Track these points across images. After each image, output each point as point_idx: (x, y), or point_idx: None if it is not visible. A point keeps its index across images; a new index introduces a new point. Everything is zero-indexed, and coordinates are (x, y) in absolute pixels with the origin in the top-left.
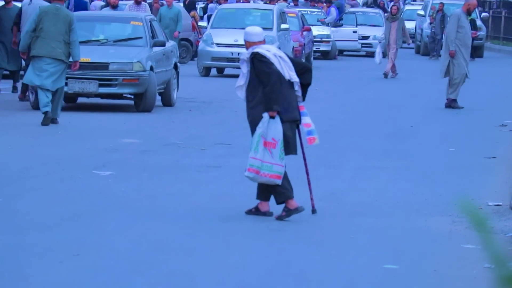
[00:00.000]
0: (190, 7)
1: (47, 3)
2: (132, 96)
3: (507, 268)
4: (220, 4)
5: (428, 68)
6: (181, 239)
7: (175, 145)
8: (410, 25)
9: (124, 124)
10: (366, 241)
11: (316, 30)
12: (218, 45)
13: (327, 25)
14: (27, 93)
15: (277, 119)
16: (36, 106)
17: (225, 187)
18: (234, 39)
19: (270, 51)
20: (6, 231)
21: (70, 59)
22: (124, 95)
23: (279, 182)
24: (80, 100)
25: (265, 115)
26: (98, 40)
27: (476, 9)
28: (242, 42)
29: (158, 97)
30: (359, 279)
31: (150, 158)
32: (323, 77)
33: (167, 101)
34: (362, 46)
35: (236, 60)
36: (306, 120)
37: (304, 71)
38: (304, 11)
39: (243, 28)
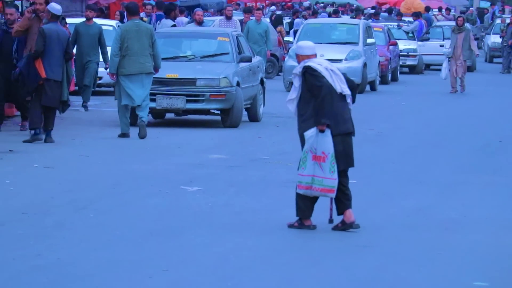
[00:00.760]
0: (277, 22)
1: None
2: (219, 112)
3: None
4: (306, 19)
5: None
6: (269, 255)
7: (262, 160)
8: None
9: (211, 140)
10: (455, 258)
11: (403, 45)
12: None
13: (414, 39)
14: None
15: (327, 132)
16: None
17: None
18: (320, 53)
19: (321, 64)
20: (97, 247)
21: None
22: (211, 110)
23: (332, 195)
24: (168, 116)
25: (309, 132)
26: (185, 56)
27: None
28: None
29: (245, 113)
30: None
31: (237, 173)
32: (410, 91)
33: (253, 117)
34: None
35: None
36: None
37: (350, 88)
38: (391, 25)
39: (330, 43)
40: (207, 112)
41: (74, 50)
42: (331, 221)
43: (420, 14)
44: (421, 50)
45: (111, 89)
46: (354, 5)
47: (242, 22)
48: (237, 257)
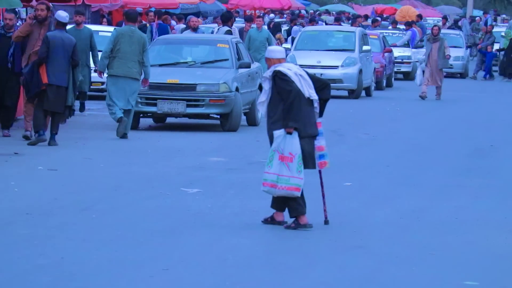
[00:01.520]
0: (275, 29)
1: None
2: (219, 116)
3: None
4: (303, 26)
5: (506, 89)
6: (266, 255)
7: (260, 163)
8: (496, 46)
9: (210, 143)
10: (447, 258)
11: (397, 52)
12: (302, 66)
13: (408, 46)
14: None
15: (295, 134)
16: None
17: (309, 204)
18: (317, 60)
19: (291, 69)
20: (99, 247)
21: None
22: (210, 115)
23: (298, 194)
24: (169, 120)
25: (278, 132)
26: (186, 62)
27: None
28: (326, 64)
29: (243, 117)
30: None
31: (235, 176)
32: (404, 97)
33: (252, 121)
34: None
35: None
36: (320, 142)
37: (323, 87)
38: (386, 33)
39: (326, 50)
40: (206, 116)
41: None
42: (326, 222)
43: (412, 23)
44: (415, 57)
45: None
46: (350, 13)
47: (243, 30)
48: (235, 257)
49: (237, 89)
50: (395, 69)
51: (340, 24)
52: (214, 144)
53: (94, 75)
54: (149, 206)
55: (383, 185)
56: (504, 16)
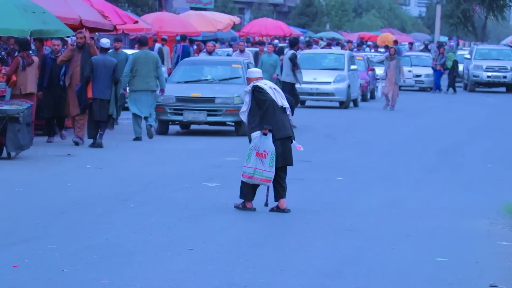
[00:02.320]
0: (279, 52)
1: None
2: (233, 123)
3: None
4: (302, 50)
5: (470, 100)
6: (273, 237)
7: None
8: (461, 67)
9: (226, 146)
10: (420, 239)
11: (379, 70)
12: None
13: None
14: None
15: (269, 135)
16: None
17: (308, 195)
18: (314, 77)
19: (266, 84)
20: (136, 230)
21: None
22: (227, 122)
23: (269, 184)
24: (192, 127)
25: (255, 133)
26: (206, 79)
27: None
28: (320, 80)
29: None
30: (415, 269)
31: None
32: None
33: None
34: (415, 83)
35: (315, 94)
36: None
37: (289, 104)
38: (370, 55)
39: (321, 69)
40: (223, 123)
41: None
42: (266, 204)
43: (390, 47)
44: None
45: None
46: (341, 39)
47: (258, 53)
48: (248, 238)
49: None
50: (377, 85)
51: (330, 48)
52: (230, 146)
53: None
54: (177, 197)
55: (368, 179)
56: (465, 42)
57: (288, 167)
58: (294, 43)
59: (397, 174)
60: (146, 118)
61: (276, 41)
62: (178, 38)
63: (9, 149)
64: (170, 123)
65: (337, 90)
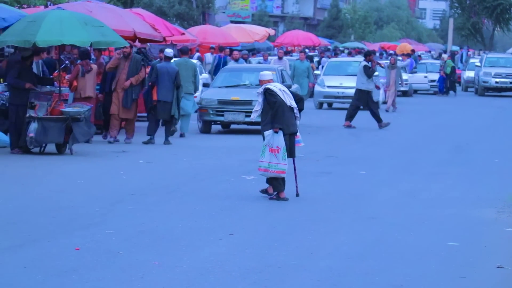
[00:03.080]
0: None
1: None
2: None
3: None
4: (329, 58)
5: (480, 103)
6: (303, 224)
7: (298, 157)
8: (471, 73)
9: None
10: (435, 226)
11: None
12: (329, 87)
13: (405, 71)
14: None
15: (280, 133)
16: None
17: (334, 187)
18: (340, 82)
19: (276, 87)
20: (183, 217)
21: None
22: None
23: (283, 175)
24: (232, 126)
25: (268, 132)
26: (244, 84)
27: None
28: (346, 85)
29: None
30: (430, 252)
31: None
32: (404, 109)
33: None
34: (430, 87)
35: (341, 97)
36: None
37: (298, 100)
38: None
39: (346, 75)
40: (259, 123)
41: None
42: (297, 195)
43: (410, 55)
44: (410, 79)
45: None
46: (364, 49)
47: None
48: (281, 225)
49: None
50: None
51: (351, 56)
52: None
53: None
54: (219, 188)
55: (388, 173)
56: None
57: (317, 162)
58: (367, 54)
59: (414, 168)
60: (182, 116)
61: (306, 50)
62: (212, 46)
63: (71, 145)
64: (213, 123)
65: None
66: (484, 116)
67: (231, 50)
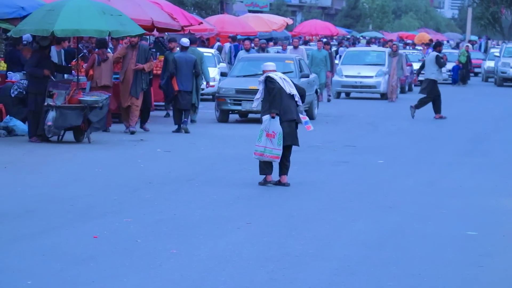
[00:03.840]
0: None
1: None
2: None
3: None
4: (347, 48)
5: (497, 93)
6: (321, 212)
7: (316, 146)
8: (492, 63)
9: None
10: (453, 215)
11: (416, 65)
12: (347, 76)
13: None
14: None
15: (277, 118)
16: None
17: (352, 176)
18: (358, 72)
19: (277, 75)
20: (201, 206)
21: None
22: None
23: (277, 160)
24: (250, 115)
25: (265, 117)
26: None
27: None
28: (364, 74)
29: (304, 113)
30: (448, 241)
31: (299, 155)
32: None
33: (310, 116)
34: (449, 77)
35: (359, 86)
36: (303, 114)
37: (300, 94)
38: (408, 52)
39: (364, 64)
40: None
41: None
42: (280, 183)
43: (429, 44)
44: None
45: (210, 97)
46: (380, 38)
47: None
48: (298, 214)
49: None
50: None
51: (370, 46)
52: None
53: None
54: (236, 177)
55: (406, 162)
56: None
57: (335, 152)
58: (437, 45)
59: (432, 157)
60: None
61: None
62: (231, 36)
63: (89, 133)
64: (230, 112)
65: (378, 83)
66: (503, 106)
67: (234, 39)
